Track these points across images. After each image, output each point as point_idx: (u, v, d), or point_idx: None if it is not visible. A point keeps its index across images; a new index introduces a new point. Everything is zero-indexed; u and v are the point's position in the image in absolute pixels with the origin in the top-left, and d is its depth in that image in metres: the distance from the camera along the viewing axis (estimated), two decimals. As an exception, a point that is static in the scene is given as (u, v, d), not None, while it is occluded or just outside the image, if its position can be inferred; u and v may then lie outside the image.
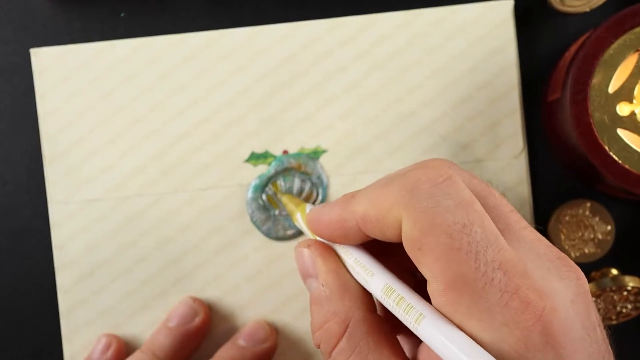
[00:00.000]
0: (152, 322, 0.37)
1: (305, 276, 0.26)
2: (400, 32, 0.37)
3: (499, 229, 0.21)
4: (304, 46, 0.38)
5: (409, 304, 0.21)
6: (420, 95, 0.37)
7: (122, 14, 0.39)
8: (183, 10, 0.39)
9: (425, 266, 0.21)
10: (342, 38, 0.37)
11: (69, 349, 0.37)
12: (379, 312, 0.25)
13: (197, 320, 0.36)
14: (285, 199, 0.35)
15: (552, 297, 0.20)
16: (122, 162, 0.37)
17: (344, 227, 0.24)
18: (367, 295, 0.24)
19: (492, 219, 0.21)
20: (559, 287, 0.21)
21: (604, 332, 0.21)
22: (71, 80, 0.38)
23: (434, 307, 0.21)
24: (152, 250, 0.37)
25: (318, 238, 0.26)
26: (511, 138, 0.37)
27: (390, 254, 0.25)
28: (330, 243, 0.26)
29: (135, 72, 0.38)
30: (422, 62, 0.37)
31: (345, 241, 0.25)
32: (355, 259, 0.24)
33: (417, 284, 0.24)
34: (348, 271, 0.25)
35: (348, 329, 0.23)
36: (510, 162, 0.37)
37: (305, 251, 0.25)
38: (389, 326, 0.24)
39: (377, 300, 0.24)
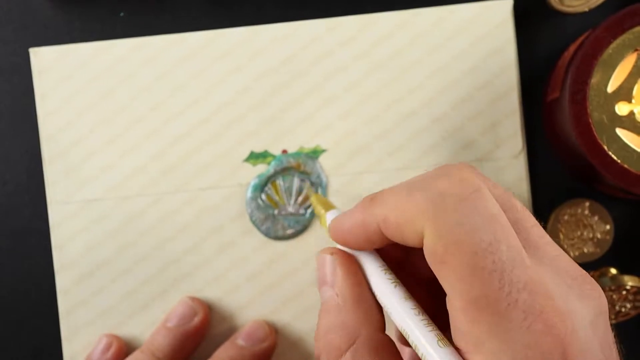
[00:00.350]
0: (152, 322, 0.37)
1: (322, 283, 0.25)
2: (400, 32, 0.37)
3: (520, 243, 0.21)
4: (304, 46, 0.38)
5: (416, 345, 0.21)
6: (420, 95, 0.37)
7: (122, 14, 0.39)
8: (183, 10, 0.39)
9: (446, 281, 0.20)
10: (342, 38, 0.37)
11: (69, 349, 0.37)
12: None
13: (196, 320, 0.36)
14: (314, 200, 0.34)
15: (572, 318, 0.20)
16: (122, 162, 0.37)
17: (367, 230, 0.23)
18: (379, 313, 0.24)
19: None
20: (578, 307, 0.20)
21: (617, 349, 0.21)
22: (71, 80, 0.38)
23: (441, 344, 0.20)
24: (152, 250, 0.37)
25: (340, 247, 0.25)
26: (511, 138, 0.37)
27: (410, 260, 0.25)
28: (353, 252, 0.25)
29: (135, 71, 0.38)
30: (422, 62, 0.37)
31: (369, 245, 0.24)
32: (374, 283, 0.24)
33: (434, 295, 0.24)
34: (369, 286, 0.24)
35: (354, 345, 0.22)
36: (509, 162, 0.37)
37: (328, 257, 0.25)
38: (394, 347, 0.23)
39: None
